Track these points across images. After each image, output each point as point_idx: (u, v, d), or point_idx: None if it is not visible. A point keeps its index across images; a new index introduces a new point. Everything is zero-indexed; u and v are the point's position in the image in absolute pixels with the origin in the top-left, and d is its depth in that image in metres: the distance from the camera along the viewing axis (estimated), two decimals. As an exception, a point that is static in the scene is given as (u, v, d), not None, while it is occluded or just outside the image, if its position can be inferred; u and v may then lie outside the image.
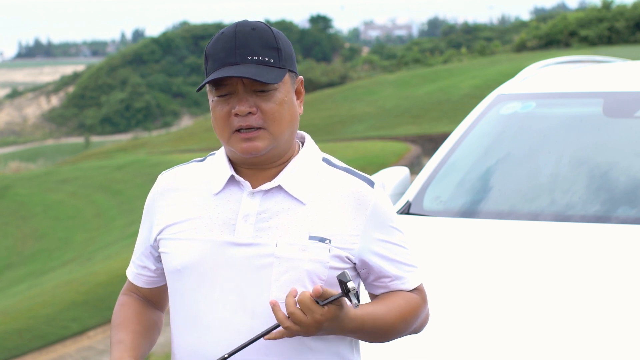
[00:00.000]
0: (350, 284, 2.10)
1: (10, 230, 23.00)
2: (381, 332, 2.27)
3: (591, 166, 4.15)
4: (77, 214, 22.97)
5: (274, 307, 2.15)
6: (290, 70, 2.28)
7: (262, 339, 2.21)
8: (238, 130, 2.23)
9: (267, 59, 2.23)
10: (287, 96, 2.27)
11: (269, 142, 2.24)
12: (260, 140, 2.23)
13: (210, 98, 2.27)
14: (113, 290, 11.15)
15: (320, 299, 2.13)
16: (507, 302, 3.41)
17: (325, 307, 2.14)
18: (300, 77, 2.34)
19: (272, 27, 2.28)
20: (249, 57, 2.22)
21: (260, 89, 2.23)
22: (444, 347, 3.25)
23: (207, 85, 2.28)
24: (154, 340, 2.45)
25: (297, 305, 2.14)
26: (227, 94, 2.24)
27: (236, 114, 2.22)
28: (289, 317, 2.15)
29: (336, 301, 2.15)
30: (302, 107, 2.33)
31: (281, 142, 2.27)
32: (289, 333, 2.16)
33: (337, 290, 2.18)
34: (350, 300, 2.12)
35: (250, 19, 2.34)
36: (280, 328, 2.17)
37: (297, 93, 2.32)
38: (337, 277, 2.13)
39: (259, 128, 2.23)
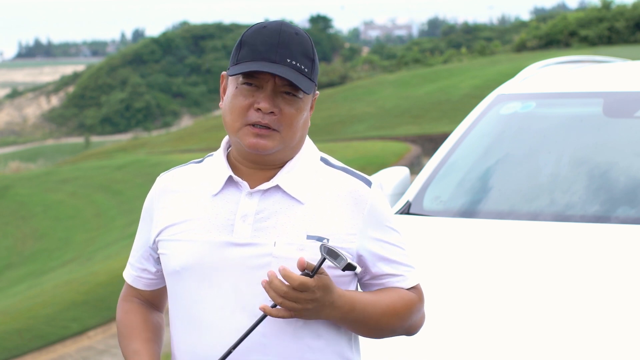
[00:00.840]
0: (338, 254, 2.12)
1: (10, 230, 22.99)
2: (372, 321, 2.26)
3: (591, 166, 4.15)
4: (77, 214, 22.96)
5: (266, 286, 2.15)
6: (315, 84, 2.30)
7: (262, 338, 2.21)
8: (251, 124, 2.24)
9: (303, 67, 2.24)
10: (306, 107, 2.29)
11: (278, 144, 2.25)
12: (270, 139, 2.24)
13: (234, 85, 2.27)
14: (113, 290, 11.15)
15: (307, 269, 2.14)
16: (507, 302, 3.41)
17: (316, 277, 2.15)
18: (317, 92, 2.36)
19: (311, 38, 2.30)
20: (288, 60, 2.23)
21: (288, 91, 2.24)
22: (443, 347, 3.25)
23: (232, 69, 2.27)
24: (162, 342, 2.46)
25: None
26: (254, 85, 2.24)
27: (258, 109, 2.23)
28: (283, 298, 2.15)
29: (321, 269, 2.16)
30: (309, 120, 2.35)
31: (287, 148, 2.28)
32: (288, 313, 2.16)
33: None
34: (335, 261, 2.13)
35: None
36: (279, 307, 2.17)
37: (310, 107, 2.34)
38: (320, 248, 2.14)
39: (274, 130, 2.24)
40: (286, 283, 2.14)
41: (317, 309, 2.18)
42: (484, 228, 3.99)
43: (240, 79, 2.25)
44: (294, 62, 2.23)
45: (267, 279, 2.19)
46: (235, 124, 2.25)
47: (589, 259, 3.62)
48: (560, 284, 3.45)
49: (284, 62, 2.22)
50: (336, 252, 2.13)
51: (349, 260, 2.12)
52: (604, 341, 3.14)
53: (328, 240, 2.25)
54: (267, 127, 2.23)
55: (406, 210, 4.23)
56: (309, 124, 2.33)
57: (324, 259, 2.14)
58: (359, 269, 2.15)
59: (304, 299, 2.15)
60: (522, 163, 4.35)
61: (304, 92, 2.24)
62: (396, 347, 3.12)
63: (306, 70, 2.25)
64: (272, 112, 2.23)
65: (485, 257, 3.73)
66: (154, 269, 2.43)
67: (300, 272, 2.15)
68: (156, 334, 2.43)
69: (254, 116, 2.23)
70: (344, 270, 2.13)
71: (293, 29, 2.27)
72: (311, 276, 2.14)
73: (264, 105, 2.22)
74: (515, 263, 3.65)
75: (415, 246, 3.69)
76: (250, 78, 2.24)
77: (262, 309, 2.16)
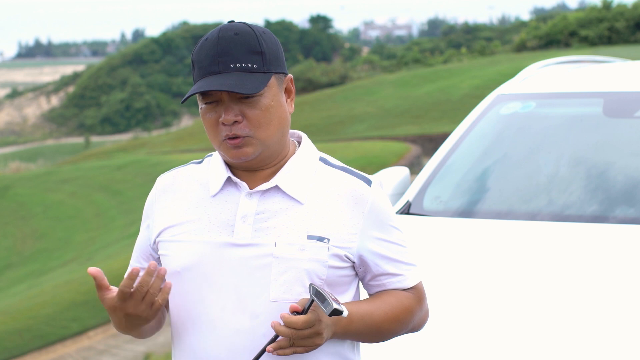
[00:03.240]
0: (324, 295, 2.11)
1: (10, 230, 23.00)
2: (372, 330, 2.26)
3: (591, 166, 4.15)
4: (77, 214, 22.96)
5: (276, 327, 2.14)
6: (276, 72, 2.26)
7: (263, 340, 2.21)
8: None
9: (250, 65, 2.21)
10: (273, 100, 2.25)
11: (257, 148, 2.24)
12: (248, 146, 2.23)
13: (199, 105, 2.27)
14: (113, 290, 11.08)
15: (296, 311, 2.14)
16: (506, 302, 3.41)
17: (310, 312, 2.14)
18: (290, 75, 2.31)
19: (255, 29, 2.25)
20: (231, 65, 2.20)
21: (245, 96, 2.22)
22: (443, 346, 3.25)
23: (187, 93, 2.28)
24: (162, 322, 2.43)
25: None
26: (214, 102, 2.23)
27: (223, 123, 2.22)
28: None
29: (312, 306, 2.16)
30: (292, 105, 2.31)
31: (271, 146, 2.26)
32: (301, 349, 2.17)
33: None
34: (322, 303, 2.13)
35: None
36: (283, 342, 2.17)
37: (287, 92, 2.30)
38: (309, 287, 2.15)
39: (246, 136, 2.22)
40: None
41: (325, 337, 2.19)
42: (483, 228, 3.99)
43: (201, 98, 2.25)
44: (238, 65, 2.20)
45: (270, 276, 2.21)
46: (215, 141, 2.26)
47: (590, 259, 3.62)
48: (560, 284, 3.45)
49: (227, 70, 2.20)
50: (323, 296, 2.11)
51: (335, 306, 2.09)
52: (603, 341, 3.14)
53: (329, 240, 2.24)
54: (239, 137, 2.22)
55: (406, 210, 4.23)
56: (292, 110, 2.30)
57: (312, 300, 2.13)
58: (345, 313, 2.12)
59: (313, 332, 2.15)
60: (522, 163, 4.35)
61: (249, 94, 2.19)
62: (396, 347, 3.12)
63: (255, 66, 2.21)
64: (236, 122, 2.21)
65: (485, 258, 3.73)
66: None
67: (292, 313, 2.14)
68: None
69: (224, 130, 2.22)
70: (330, 315, 2.11)
71: (232, 29, 2.23)
72: (303, 313, 2.14)
73: (224, 117, 2.21)
74: (516, 263, 3.65)
75: (415, 246, 3.69)
76: (207, 96, 2.23)
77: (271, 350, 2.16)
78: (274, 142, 2.26)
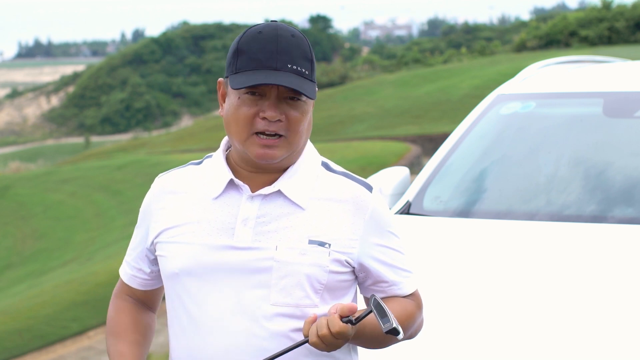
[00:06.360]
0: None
1: (10, 230, 23.00)
2: (379, 337, 2.26)
3: (591, 166, 4.15)
4: (77, 214, 22.96)
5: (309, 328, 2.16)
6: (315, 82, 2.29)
7: (261, 341, 2.21)
8: (257, 133, 2.22)
9: (303, 70, 2.22)
10: (310, 108, 2.27)
11: (286, 151, 2.24)
12: (278, 149, 2.23)
13: (236, 95, 2.23)
14: (113, 290, 11.11)
15: (351, 317, 2.14)
16: (507, 302, 3.41)
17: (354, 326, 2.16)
18: (316, 89, 2.34)
19: (305, 37, 2.27)
20: (289, 65, 2.20)
21: (292, 96, 2.22)
22: (443, 347, 3.25)
23: (233, 80, 2.23)
24: (150, 344, 2.45)
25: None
26: (257, 95, 2.22)
27: (264, 118, 2.21)
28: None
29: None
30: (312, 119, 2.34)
31: (295, 152, 2.27)
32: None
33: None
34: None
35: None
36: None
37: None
38: (370, 298, 2.16)
39: (281, 136, 2.22)
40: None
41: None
42: (483, 228, 3.99)
43: (244, 88, 2.23)
44: (295, 67, 2.20)
45: (270, 280, 2.20)
46: (242, 135, 2.23)
47: (589, 259, 3.62)
48: (559, 284, 3.45)
49: (285, 69, 2.20)
50: (384, 311, 2.11)
51: (394, 325, 2.09)
52: (602, 341, 3.14)
53: (330, 245, 2.24)
54: (274, 135, 2.21)
55: (406, 210, 4.22)
56: (312, 124, 2.33)
57: (370, 311, 2.13)
58: (401, 335, 2.12)
59: (335, 344, 2.15)
60: (522, 163, 4.35)
61: (308, 97, 2.22)
62: (395, 348, 3.12)
63: (307, 72, 2.23)
64: (278, 120, 2.21)
65: (484, 258, 3.73)
66: (148, 270, 2.42)
67: (344, 319, 2.14)
68: (145, 336, 2.42)
69: (261, 125, 2.21)
70: (386, 333, 2.11)
71: (289, 31, 2.24)
72: (354, 324, 2.14)
73: (270, 114, 2.20)
74: (515, 263, 3.65)
75: (415, 246, 3.69)
76: (253, 87, 2.21)
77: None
78: (297, 150, 2.28)
